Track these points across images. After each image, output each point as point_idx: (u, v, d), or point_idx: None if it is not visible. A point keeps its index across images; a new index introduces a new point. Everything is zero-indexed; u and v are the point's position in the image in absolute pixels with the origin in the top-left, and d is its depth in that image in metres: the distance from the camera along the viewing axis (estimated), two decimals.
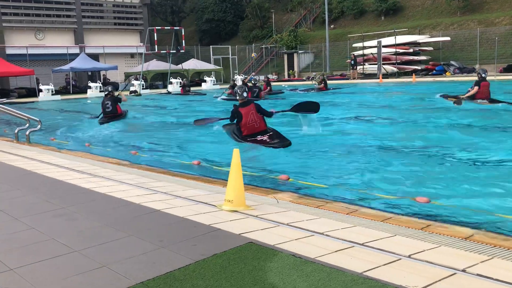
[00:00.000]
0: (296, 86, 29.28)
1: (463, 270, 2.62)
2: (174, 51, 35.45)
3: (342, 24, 44.30)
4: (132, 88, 32.05)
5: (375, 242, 3.14)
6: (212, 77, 36.84)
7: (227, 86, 26.49)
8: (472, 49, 32.34)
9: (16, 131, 10.58)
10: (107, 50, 40.20)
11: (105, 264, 2.84)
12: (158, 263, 2.84)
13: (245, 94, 8.69)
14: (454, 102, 13.50)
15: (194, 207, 4.16)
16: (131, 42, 42.84)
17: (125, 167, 6.73)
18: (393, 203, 4.76)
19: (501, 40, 30.33)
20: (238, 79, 34.11)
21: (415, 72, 31.23)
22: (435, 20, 37.30)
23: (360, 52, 35.18)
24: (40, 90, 30.52)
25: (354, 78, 33.15)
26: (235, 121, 8.85)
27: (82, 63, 34.71)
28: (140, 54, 38.24)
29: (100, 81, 34.46)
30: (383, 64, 32.33)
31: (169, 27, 40.33)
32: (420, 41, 33.16)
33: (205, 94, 26.38)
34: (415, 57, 33.38)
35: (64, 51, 37.91)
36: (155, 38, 33.81)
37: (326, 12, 38.66)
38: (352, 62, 33.79)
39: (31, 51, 36.41)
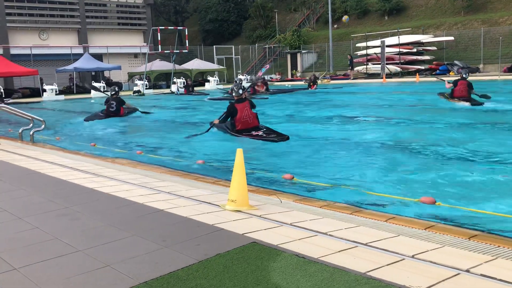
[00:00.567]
0: (286, 87, 29.41)
1: (467, 271, 2.61)
2: (177, 51, 35.52)
3: (346, 24, 44.23)
4: (135, 88, 32.11)
5: (378, 242, 3.14)
6: (215, 77, 36.86)
7: (230, 86, 26.54)
8: (476, 49, 32.24)
9: (20, 131, 10.61)
10: (111, 50, 40.28)
11: (108, 264, 2.85)
12: (161, 262, 2.84)
13: (240, 92, 9.40)
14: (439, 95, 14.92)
15: (198, 207, 4.17)
16: (134, 42, 42.92)
17: (128, 167, 6.74)
18: (398, 204, 4.75)
19: (505, 40, 30.23)
20: (242, 79, 34.17)
21: (419, 72, 31.17)
22: (439, 19, 37.21)
23: (362, 52, 35.15)
24: (44, 90, 30.61)
25: (350, 78, 33.18)
26: (228, 119, 9.38)
27: (85, 63, 34.79)
28: (144, 54, 38.30)
29: (103, 81, 34.54)
30: (387, 64, 32.28)
31: (172, 27, 40.37)
32: (424, 40, 33.08)
33: (207, 94, 26.41)
34: (419, 57, 33.31)
35: (68, 51, 38.02)
36: (159, 38, 33.85)
37: (330, 12, 38.63)
38: (349, 62, 33.77)
39: (35, 51, 36.51)
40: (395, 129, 10.44)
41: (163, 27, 37.18)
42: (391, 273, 2.59)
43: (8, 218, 3.97)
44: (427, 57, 33.44)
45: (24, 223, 3.80)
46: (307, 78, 33.91)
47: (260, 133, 9.02)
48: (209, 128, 9.88)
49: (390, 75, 31.82)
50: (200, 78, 40.28)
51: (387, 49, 32.37)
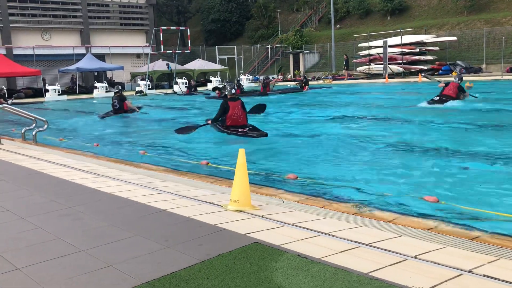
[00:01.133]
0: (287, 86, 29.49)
1: (470, 271, 2.61)
2: (180, 51, 35.54)
3: (348, 24, 44.21)
4: (138, 88, 32.15)
5: (381, 242, 3.13)
6: (217, 77, 36.89)
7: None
8: (478, 49, 32.17)
9: (22, 131, 10.64)
10: (113, 50, 40.34)
11: (111, 264, 2.85)
12: (163, 262, 2.85)
13: (233, 91, 10.30)
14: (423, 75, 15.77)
15: (200, 207, 4.17)
16: (137, 42, 42.97)
17: (131, 167, 6.75)
18: (401, 202, 4.74)
19: (508, 40, 30.16)
20: (243, 79, 34.20)
21: (421, 72, 31.12)
22: (441, 19, 37.14)
23: (365, 52, 35.11)
24: (47, 90, 30.67)
25: (344, 79, 33.13)
26: (219, 119, 10.10)
27: (88, 63, 34.84)
28: (146, 54, 38.34)
29: (106, 82, 34.61)
30: (389, 64, 32.24)
31: (174, 27, 40.40)
32: (426, 41, 33.01)
33: (209, 94, 26.44)
34: (421, 57, 33.24)
35: (70, 51, 38.09)
36: (161, 38, 33.88)
37: (332, 12, 38.60)
38: (344, 63, 33.74)
39: (38, 51, 36.59)
40: (398, 129, 10.42)
41: (166, 27, 37.21)
42: (394, 274, 2.59)
43: (11, 218, 3.98)
44: (429, 57, 33.37)
45: (27, 223, 3.81)
46: (319, 76, 34.09)
47: (246, 130, 9.81)
48: (204, 124, 10.47)
49: (393, 75, 31.78)
50: (203, 78, 40.30)
51: (389, 49, 32.32)
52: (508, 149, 7.42)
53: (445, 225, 3.75)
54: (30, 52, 36.10)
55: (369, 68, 34.61)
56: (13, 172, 6.26)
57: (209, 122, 10.36)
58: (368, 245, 3.08)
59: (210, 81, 35.66)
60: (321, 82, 32.95)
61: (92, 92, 32.31)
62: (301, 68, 41.04)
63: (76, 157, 7.76)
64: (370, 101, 17.98)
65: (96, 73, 38.33)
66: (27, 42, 36.66)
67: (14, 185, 5.35)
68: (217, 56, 43.48)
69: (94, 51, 38.65)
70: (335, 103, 17.58)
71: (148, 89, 32.28)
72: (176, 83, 32.94)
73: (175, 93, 30.66)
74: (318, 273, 2.63)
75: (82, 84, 37.54)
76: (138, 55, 43.04)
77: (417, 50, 33.00)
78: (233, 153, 6.30)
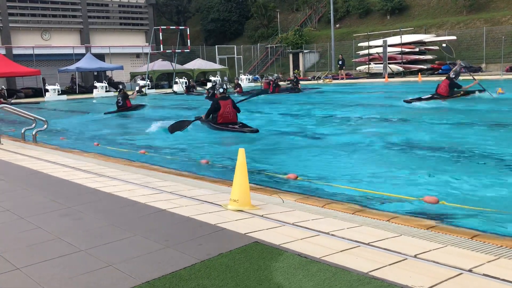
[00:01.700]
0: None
1: (470, 270, 2.61)
2: (179, 50, 35.52)
3: (348, 23, 44.21)
4: (137, 88, 32.15)
5: (381, 242, 3.14)
6: (217, 76, 36.87)
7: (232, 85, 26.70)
8: (478, 48, 32.17)
9: (22, 131, 10.64)
10: (113, 50, 40.33)
11: (111, 264, 2.85)
12: (163, 262, 2.85)
13: (221, 90, 10.89)
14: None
15: (200, 206, 4.17)
16: (136, 42, 42.96)
17: (131, 167, 6.74)
18: (401, 203, 4.74)
19: (507, 39, 30.17)
20: (243, 79, 34.19)
21: (421, 71, 31.11)
22: (441, 19, 37.14)
23: (365, 51, 35.11)
24: (47, 90, 30.66)
25: (342, 78, 33.11)
26: (213, 113, 10.71)
27: (88, 63, 34.85)
28: (146, 54, 38.33)
29: (106, 81, 34.61)
30: (389, 63, 32.23)
31: (174, 27, 40.40)
32: (426, 40, 33.02)
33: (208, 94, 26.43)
34: (421, 57, 33.25)
35: (70, 51, 38.08)
36: (161, 38, 33.88)
37: (332, 12, 38.59)
38: (340, 62, 33.73)
39: (38, 51, 36.58)
40: (398, 128, 10.42)
41: (165, 27, 37.19)
42: (394, 273, 2.59)
43: (11, 218, 3.98)
44: (429, 57, 33.38)
45: (27, 223, 3.81)
46: (319, 76, 34.06)
47: (236, 127, 10.43)
48: (194, 121, 11.04)
49: (392, 74, 31.78)
50: (202, 78, 40.31)
51: (389, 49, 32.32)
52: (509, 149, 7.42)
53: (445, 225, 3.75)
54: (30, 52, 36.09)
55: (368, 67, 34.61)
56: (13, 172, 6.26)
57: (203, 117, 11.06)
58: (368, 244, 3.08)
59: (210, 80, 35.67)
60: (320, 81, 32.95)
61: (91, 92, 32.32)
62: (301, 68, 41.03)
63: (76, 157, 7.76)
64: (370, 101, 17.98)
65: (95, 73, 38.33)
66: (27, 42, 36.65)
67: (14, 185, 5.35)
68: (216, 56, 43.47)
69: (93, 51, 38.64)
70: (335, 103, 17.58)
71: (148, 88, 32.27)
72: (176, 82, 32.95)
73: (175, 93, 30.66)
74: (318, 272, 2.63)
75: (81, 84, 37.55)
76: (137, 55, 43.04)
77: (417, 49, 33.01)
78: (233, 152, 6.30)
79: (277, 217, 3.80)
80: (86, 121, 15.84)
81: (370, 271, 2.61)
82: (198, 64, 40.30)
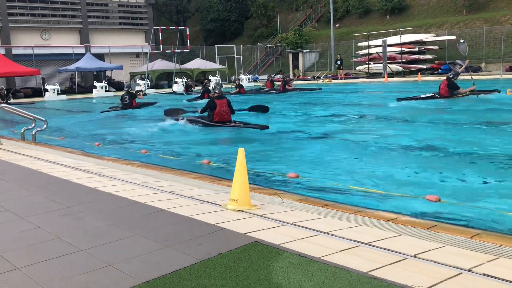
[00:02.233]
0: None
1: (469, 270, 2.61)
2: (179, 50, 35.52)
3: (347, 23, 44.21)
4: (137, 88, 32.13)
5: (380, 241, 3.14)
6: (217, 76, 36.86)
7: (229, 85, 26.79)
8: (478, 48, 32.17)
9: (22, 130, 10.63)
10: (113, 50, 40.32)
11: (110, 263, 2.85)
12: (163, 262, 2.85)
13: (217, 90, 11.34)
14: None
15: (199, 206, 4.17)
16: (136, 42, 42.95)
17: (130, 166, 6.74)
18: (403, 202, 4.74)
19: (507, 39, 30.17)
20: (243, 79, 34.20)
21: (421, 71, 31.11)
22: (441, 19, 37.14)
23: (364, 51, 35.10)
24: (46, 90, 30.64)
25: (341, 78, 33.10)
26: (205, 113, 11.34)
27: (87, 63, 34.83)
28: (145, 53, 38.32)
29: (105, 81, 34.60)
30: (389, 63, 32.24)
31: (174, 27, 40.39)
32: (426, 40, 33.02)
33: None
34: (421, 56, 33.25)
35: (69, 51, 38.08)
36: (160, 38, 33.89)
37: (331, 11, 38.60)
38: (339, 62, 33.72)
39: (37, 51, 36.57)
40: (398, 128, 10.43)
41: (165, 27, 37.17)
42: (393, 273, 2.59)
43: (11, 218, 3.98)
44: (429, 56, 33.38)
45: (27, 223, 3.81)
46: (318, 76, 34.08)
47: (237, 123, 10.92)
48: (191, 111, 11.88)
49: (392, 74, 31.78)
50: (202, 77, 40.30)
51: (389, 49, 32.32)
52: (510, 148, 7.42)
53: (445, 224, 3.75)
54: (29, 51, 36.08)
55: (368, 67, 34.61)
56: (13, 172, 6.26)
57: (199, 110, 11.83)
58: (367, 244, 3.08)
59: (210, 80, 35.65)
60: (320, 81, 32.94)
61: (91, 92, 32.30)
62: (301, 68, 41.04)
63: (76, 157, 7.76)
64: (369, 101, 17.98)
65: (95, 73, 38.33)
66: (26, 42, 36.64)
67: (14, 185, 5.35)
68: (216, 56, 43.46)
69: (93, 50, 38.63)
70: (335, 103, 17.58)
71: (147, 88, 32.26)
72: (176, 82, 32.93)
73: (174, 92, 30.64)
74: (318, 272, 2.63)
75: (81, 84, 37.54)
76: (137, 55, 43.03)
77: (417, 49, 33.00)
78: (233, 152, 6.30)
79: (276, 217, 3.80)
80: (85, 121, 15.83)
81: (370, 271, 2.61)
82: (197, 64, 40.29)
